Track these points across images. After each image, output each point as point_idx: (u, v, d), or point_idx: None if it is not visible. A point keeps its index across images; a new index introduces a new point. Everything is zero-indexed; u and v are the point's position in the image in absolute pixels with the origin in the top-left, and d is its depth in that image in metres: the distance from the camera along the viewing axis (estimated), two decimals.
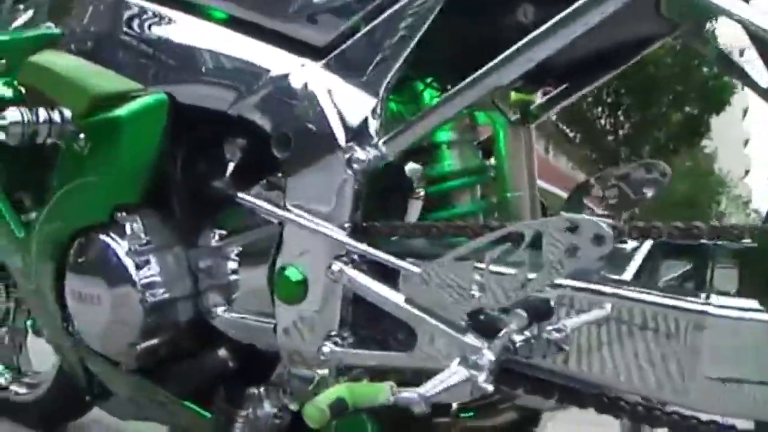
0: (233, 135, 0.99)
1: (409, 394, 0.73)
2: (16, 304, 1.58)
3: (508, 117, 1.10)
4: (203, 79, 1.01)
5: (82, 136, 1.05)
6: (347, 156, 0.91)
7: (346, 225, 0.92)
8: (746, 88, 0.97)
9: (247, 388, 1.06)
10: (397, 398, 0.77)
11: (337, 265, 0.90)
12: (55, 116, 1.11)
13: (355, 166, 0.91)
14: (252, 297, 1.00)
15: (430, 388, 0.73)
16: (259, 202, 0.96)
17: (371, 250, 0.88)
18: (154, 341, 1.05)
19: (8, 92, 1.25)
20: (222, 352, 1.07)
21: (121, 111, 1.02)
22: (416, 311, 0.86)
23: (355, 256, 0.91)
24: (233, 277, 1.02)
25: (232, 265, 1.02)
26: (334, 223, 0.92)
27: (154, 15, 1.08)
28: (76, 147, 1.06)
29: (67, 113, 1.12)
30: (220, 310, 1.03)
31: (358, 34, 0.94)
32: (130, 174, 1.03)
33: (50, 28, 1.17)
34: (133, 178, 1.03)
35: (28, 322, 1.56)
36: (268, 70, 0.96)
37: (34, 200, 1.26)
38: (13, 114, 1.10)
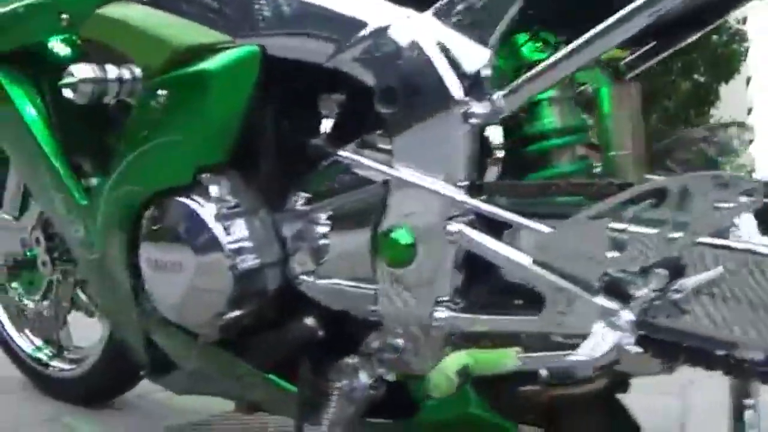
0: (330, 90, 0.94)
1: (575, 357, 0.69)
2: (63, 276, 1.51)
3: (612, 74, 1.05)
4: (298, 30, 0.94)
5: (161, 92, 0.99)
6: (463, 110, 0.85)
7: (462, 183, 0.87)
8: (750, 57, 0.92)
9: (334, 359, 1.03)
10: (560, 362, 0.74)
11: (455, 226, 0.85)
12: (125, 73, 1.05)
13: (472, 120, 0.86)
14: (349, 261, 0.94)
15: (588, 350, 0.69)
16: (362, 160, 0.90)
17: (494, 209, 0.83)
18: (242, 311, 0.99)
19: (69, 49, 1.19)
20: (309, 321, 1.01)
21: (211, 64, 0.96)
22: (546, 273, 0.82)
23: (471, 216, 0.87)
24: (326, 240, 0.96)
25: (325, 228, 0.96)
26: (449, 181, 0.87)
27: None
28: (155, 104, 1.00)
29: (138, 70, 1.05)
30: (310, 276, 0.97)
31: None
32: (218, 132, 0.97)
33: None
34: (220, 136, 0.97)
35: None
36: (370, 21, 0.90)
37: (95, 165, 1.21)
38: (82, 70, 1.03)
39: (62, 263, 1.49)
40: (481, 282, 0.89)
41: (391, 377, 0.98)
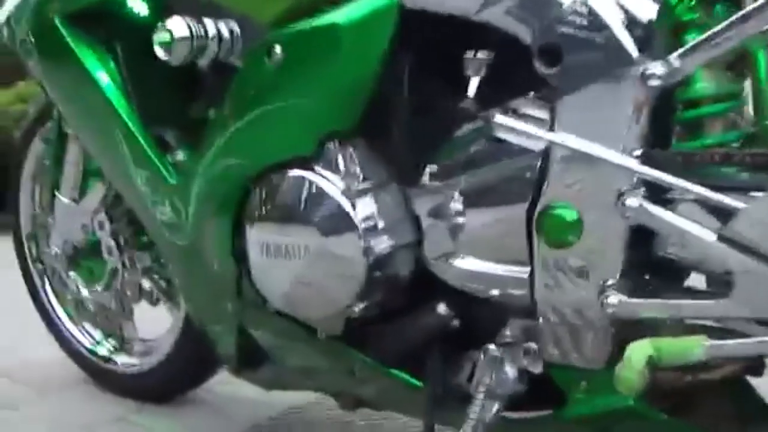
0: (477, 47, 0.83)
1: None
2: (129, 264, 1.41)
3: None
4: None
5: (277, 50, 0.88)
6: (641, 71, 0.76)
7: (638, 152, 0.78)
8: None
9: (464, 351, 0.94)
10: (756, 349, 0.65)
11: (634, 200, 0.76)
12: (224, 29, 0.93)
13: (650, 82, 0.76)
14: (497, 242, 0.85)
15: None
16: (519, 126, 0.80)
17: (679, 181, 0.74)
18: (373, 299, 0.90)
19: (147, 6, 1.08)
20: (440, 309, 0.92)
21: (341, 16, 0.85)
22: (735, 252, 0.73)
23: (644, 189, 0.78)
24: (469, 218, 0.85)
25: (467, 204, 0.85)
26: (621, 149, 0.77)
27: None
28: (268, 65, 0.88)
29: (236, 27, 0.94)
30: (448, 258, 0.87)
31: None
32: (347, 95, 0.86)
33: None
34: (349, 99, 0.86)
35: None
36: None
37: (181, 137, 1.10)
38: (179, 27, 0.92)
39: (129, 249, 1.39)
40: (648, 262, 0.80)
41: (537, 369, 0.90)
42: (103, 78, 1.10)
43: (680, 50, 0.76)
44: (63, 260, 1.47)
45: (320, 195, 0.88)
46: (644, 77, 0.76)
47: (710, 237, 0.74)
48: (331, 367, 1.00)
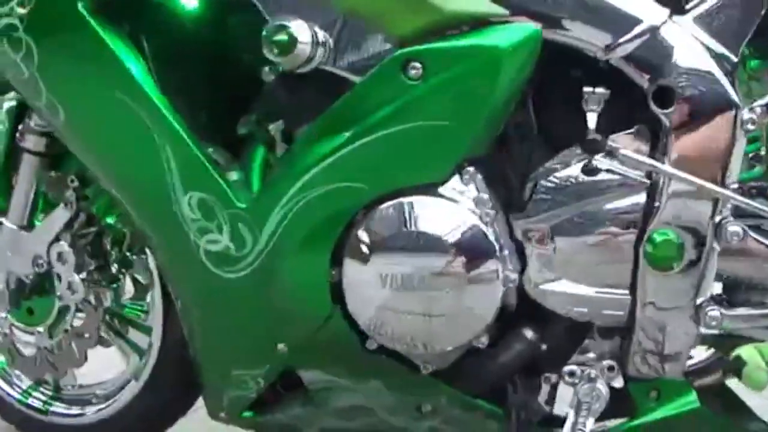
0: (596, 82, 0.87)
1: None
2: (95, 302, 1.22)
3: None
4: (575, 18, 0.86)
5: (417, 66, 0.84)
6: (740, 115, 0.87)
7: (735, 184, 0.88)
8: None
9: (538, 375, 0.97)
10: None
11: (736, 226, 0.87)
12: (320, 36, 0.86)
13: (747, 126, 0.88)
14: (601, 267, 0.90)
15: None
16: (638, 157, 0.87)
17: None
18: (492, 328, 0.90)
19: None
20: (529, 335, 0.95)
21: (497, 39, 0.83)
22: None
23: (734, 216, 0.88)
24: (573, 245, 0.89)
25: (571, 232, 0.89)
26: (721, 182, 0.87)
27: None
28: (404, 81, 0.84)
29: (345, 35, 0.87)
30: (551, 284, 0.90)
31: None
32: (491, 119, 0.85)
33: None
34: (491, 124, 0.85)
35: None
36: (644, 18, 0.88)
37: (229, 154, 1.01)
38: (302, 30, 0.84)
39: (94, 286, 1.22)
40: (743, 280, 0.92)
41: (619, 383, 0.96)
42: (146, 81, 0.94)
43: (763, 101, 0.89)
44: (4, 298, 1.23)
45: (456, 223, 0.86)
46: (742, 122, 0.87)
47: None
48: (395, 404, 0.97)
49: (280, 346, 0.96)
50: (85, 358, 1.27)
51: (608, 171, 0.89)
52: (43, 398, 1.35)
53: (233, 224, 0.93)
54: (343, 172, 0.87)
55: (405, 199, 0.87)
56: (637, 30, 0.87)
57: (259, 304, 0.95)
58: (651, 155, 0.89)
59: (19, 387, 1.36)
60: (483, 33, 0.85)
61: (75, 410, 1.31)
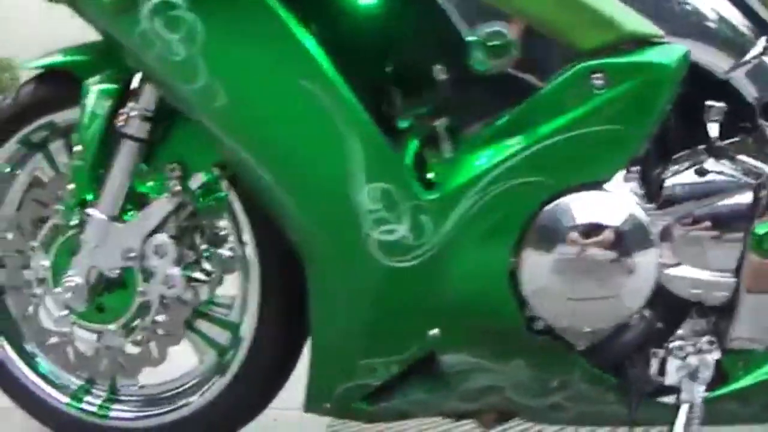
0: (715, 97, 1.01)
1: None
2: (192, 296, 1.17)
3: None
4: (707, 38, 1.00)
5: (601, 77, 0.94)
6: None
7: None
8: None
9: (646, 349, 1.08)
10: None
11: None
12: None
13: None
14: (715, 254, 1.04)
15: None
16: (751, 161, 1.03)
17: None
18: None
19: None
20: (648, 315, 1.06)
21: (666, 57, 0.96)
22: None
23: None
24: (694, 236, 1.03)
25: (693, 224, 1.03)
26: None
27: None
28: (588, 89, 0.93)
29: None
30: (676, 269, 1.03)
31: None
32: (657, 124, 0.97)
33: None
34: (655, 128, 0.97)
35: None
36: (755, 44, 1.04)
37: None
38: (513, 30, 0.92)
39: (192, 280, 1.18)
40: None
41: (717, 356, 1.11)
42: (333, 71, 0.94)
43: None
44: (84, 294, 1.15)
45: (624, 216, 0.96)
46: None
47: None
48: (529, 381, 1.05)
49: (433, 331, 1.01)
50: (165, 356, 1.22)
51: (719, 173, 1.05)
52: (98, 402, 1.28)
53: (415, 215, 0.96)
54: (528, 169, 0.95)
55: (581, 195, 0.96)
56: (751, 54, 1.04)
57: (422, 291, 0.99)
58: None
59: (68, 390, 1.29)
60: (650, 50, 0.97)
61: (144, 412, 1.26)
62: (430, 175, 1.01)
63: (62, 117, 1.23)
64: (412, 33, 1.02)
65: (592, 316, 1.00)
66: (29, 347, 1.31)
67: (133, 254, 1.15)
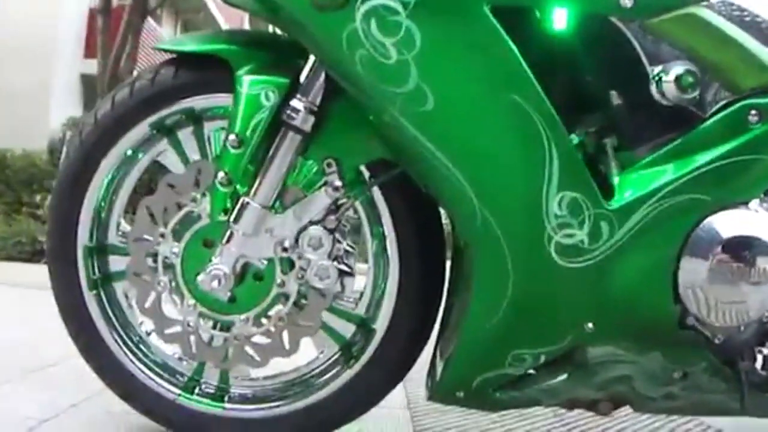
0: None
1: None
2: (340, 289, 1.22)
3: None
4: None
5: (755, 114, 1.05)
6: None
7: None
8: None
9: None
10: None
11: None
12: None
13: None
14: None
15: None
16: None
17: None
18: None
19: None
20: None
21: None
22: None
23: None
24: None
25: None
26: None
27: None
28: (745, 124, 1.06)
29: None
30: None
31: None
32: None
33: None
34: None
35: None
36: None
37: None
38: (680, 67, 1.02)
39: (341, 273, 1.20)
40: None
41: None
42: (540, 86, 1.01)
43: None
44: (230, 281, 1.14)
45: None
46: None
47: None
48: (659, 372, 1.15)
49: (589, 325, 1.10)
50: (297, 348, 1.23)
51: None
52: (213, 391, 1.27)
53: (596, 222, 1.05)
54: (692, 189, 1.06)
55: (733, 212, 1.08)
56: None
57: (587, 289, 1.08)
58: None
59: (180, 381, 1.28)
60: None
61: (266, 404, 1.26)
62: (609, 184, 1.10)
63: (201, 103, 1.22)
64: (597, 58, 1.10)
65: (737, 314, 1.11)
66: (135, 338, 1.30)
67: (286, 245, 1.16)
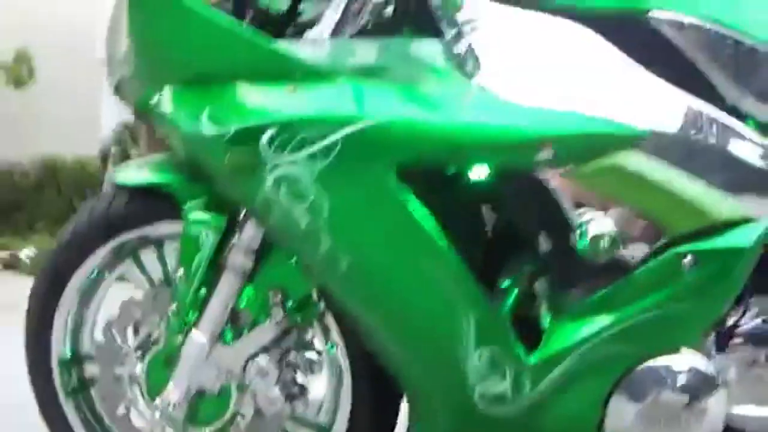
0: None
1: None
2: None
3: None
4: None
5: (690, 259, 1.05)
6: None
7: None
8: None
9: None
10: None
11: None
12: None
13: None
14: None
15: None
16: None
17: None
18: None
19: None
20: None
21: (747, 240, 1.06)
22: None
23: None
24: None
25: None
26: None
27: None
28: (679, 269, 1.06)
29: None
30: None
31: None
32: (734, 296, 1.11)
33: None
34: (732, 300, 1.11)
35: None
36: None
37: None
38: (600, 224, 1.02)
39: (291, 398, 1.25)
40: None
41: None
42: (450, 249, 1.04)
43: None
44: (183, 408, 1.21)
45: (695, 373, 1.09)
46: None
47: None
48: None
49: None
50: None
51: None
52: None
53: (517, 375, 1.07)
54: (620, 341, 1.07)
55: (661, 358, 1.08)
56: None
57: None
58: None
59: None
60: (734, 231, 1.07)
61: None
62: (531, 335, 1.11)
63: (155, 231, 1.28)
64: (523, 205, 1.11)
65: None
66: None
67: (233, 374, 1.22)
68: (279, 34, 1.16)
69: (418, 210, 1.04)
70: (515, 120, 1.02)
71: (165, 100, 1.09)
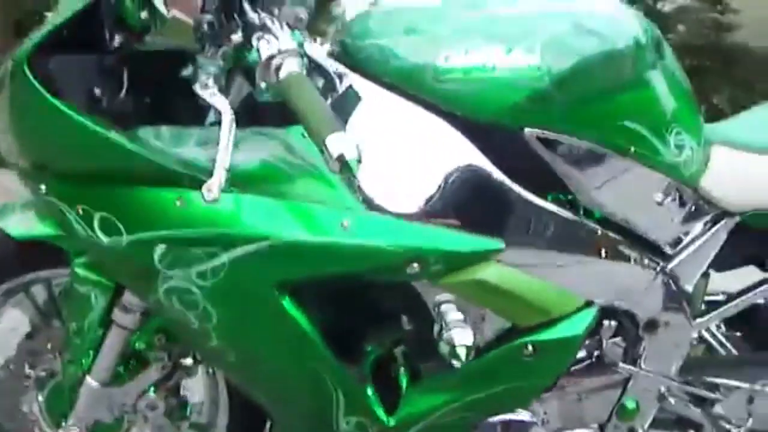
0: None
1: None
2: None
3: None
4: None
5: (530, 349, 1.21)
6: None
7: None
8: None
9: None
10: None
11: None
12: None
13: None
14: None
15: None
16: None
17: None
18: None
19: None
20: None
21: (578, 330, 1.24)
22: None
23: None
24: None
25: None
26: None
27: None
28: (521, 358, 1.22)
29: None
30: None
31: None
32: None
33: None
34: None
35: None
36: None
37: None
38: (465, 338, 1.15)
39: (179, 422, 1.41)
40: None
41: None
42: (321, 344, 1.16)
43: None
44: None
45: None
46: None
47: None
48: None
49: None
50: None
51: None
52: None
53: None
54: (467, 408, 1.26)
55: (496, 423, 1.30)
56: None
57: None
58: None
59: None
60: (570, 320, 1.24)
61: None
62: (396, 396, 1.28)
63: (44, 274, 1.34)
64: (391, 295, 1.23)
65: None
66: None
67: (126, 408, 1.35)
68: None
69: (298, 317, 1.15)
70: (388, 240, 1.11)
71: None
